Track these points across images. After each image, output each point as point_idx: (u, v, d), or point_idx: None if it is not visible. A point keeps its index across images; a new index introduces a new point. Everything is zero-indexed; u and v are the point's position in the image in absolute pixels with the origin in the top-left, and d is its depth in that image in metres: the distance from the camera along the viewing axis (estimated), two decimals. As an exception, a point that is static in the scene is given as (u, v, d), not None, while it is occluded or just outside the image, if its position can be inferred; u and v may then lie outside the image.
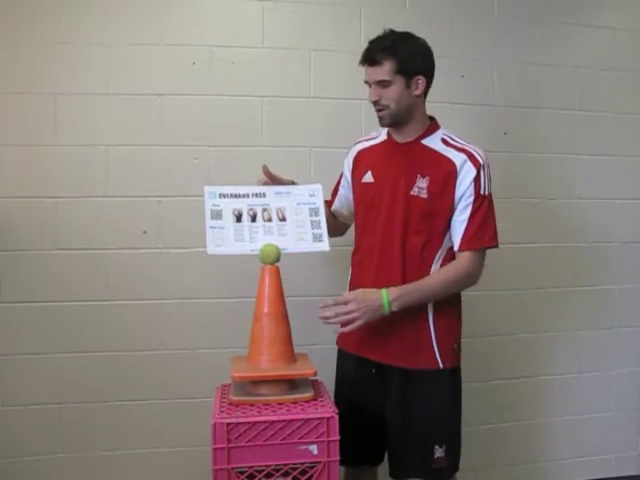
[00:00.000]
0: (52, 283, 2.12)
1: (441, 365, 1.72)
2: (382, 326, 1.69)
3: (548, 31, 2.45)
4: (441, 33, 2.32)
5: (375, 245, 1.75)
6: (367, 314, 1.60)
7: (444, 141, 1.73)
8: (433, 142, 1.74)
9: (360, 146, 1.89)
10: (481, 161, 1.69)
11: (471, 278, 1.71)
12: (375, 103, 1.72)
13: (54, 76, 2.12)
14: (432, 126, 1.78)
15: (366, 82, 1.74)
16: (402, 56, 1.66)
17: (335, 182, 1.98)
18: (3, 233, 2.10)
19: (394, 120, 1.72)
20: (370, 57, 1.68)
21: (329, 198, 1.97)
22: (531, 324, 2.48)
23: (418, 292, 1.65)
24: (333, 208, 1.97)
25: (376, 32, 1.73)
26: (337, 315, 1.60)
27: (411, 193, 1.70)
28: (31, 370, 2.12)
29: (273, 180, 1.77)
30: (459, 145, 1.72)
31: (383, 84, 1.68)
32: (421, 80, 1.70)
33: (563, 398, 2.52)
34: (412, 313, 1.68)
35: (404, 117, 1.72)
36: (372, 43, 1.70)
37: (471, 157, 1.69)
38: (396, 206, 1.71)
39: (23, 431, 2.12)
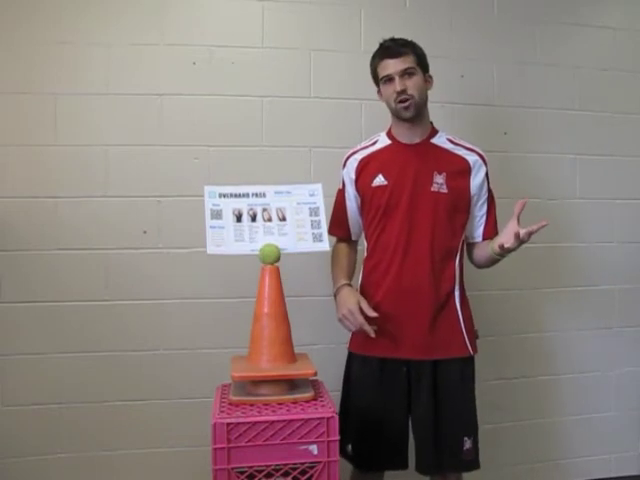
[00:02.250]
0: (52, 283, 2.12)
1: (471, 351, 1.79)
2: (412, 323, 1.74)
3: (548, 31, 2.45)
4: (441, 33, 2.33)
5: (398, 244, 1.77)
6: None
7: (450, 141, 1.84)
8: (441, 142, 1.83)
9: (359, 155, 1.87)
10: (486, 159, 1.85)
11: None
12: (401, 93, 1.74)
13: (54, 76, 2.12)
14: (434, 128, 1.86)
15: (383, 78, 1.77)
16: (418, 52, 1.79)
17: (332, 214, 1.89)
18: (3, 233, 2.10)
19: (417, 111, 1.77)
20: (394, 50, 1.75)
21: (340, 235, 1.92)
22: (531, 324, 2.47)
23: None
24: (351, 230, 1.91)
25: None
26: None
27: (432, 190, 1.76)
28: (31, 370, 2.12)
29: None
30: (466, 145, 1.85)
31: (409, 71, 1.74)
32: (431, 78, 1.82)
33: (563, 398, 2.51)
34: (442, 301, 1.76)
35: (422, 111, 1.80)
36: (387, 42, 1.79)
37: (481, 156, 1.84)
38: (420, 204, 1.77)
39: (23, 431, 2.12)
